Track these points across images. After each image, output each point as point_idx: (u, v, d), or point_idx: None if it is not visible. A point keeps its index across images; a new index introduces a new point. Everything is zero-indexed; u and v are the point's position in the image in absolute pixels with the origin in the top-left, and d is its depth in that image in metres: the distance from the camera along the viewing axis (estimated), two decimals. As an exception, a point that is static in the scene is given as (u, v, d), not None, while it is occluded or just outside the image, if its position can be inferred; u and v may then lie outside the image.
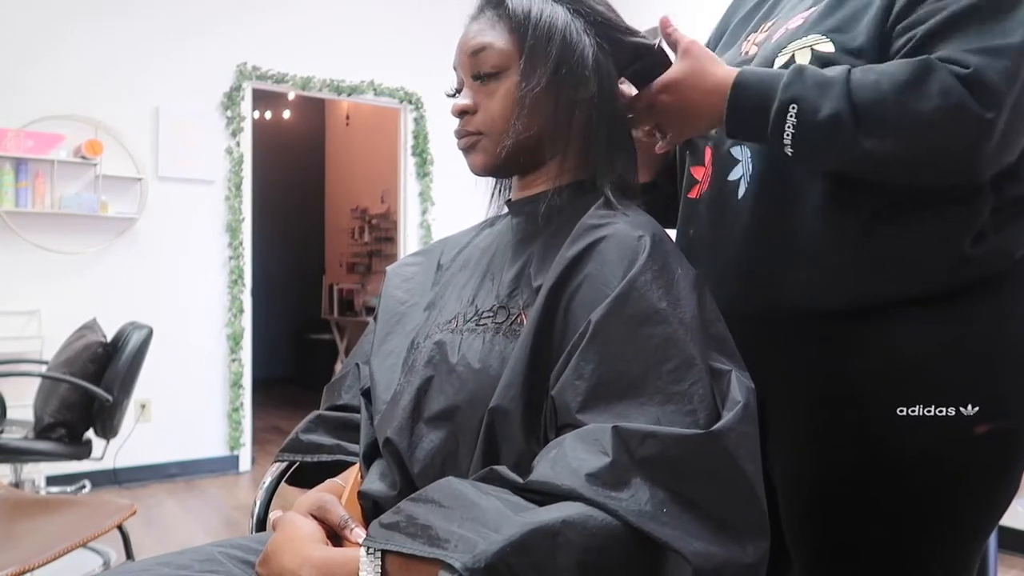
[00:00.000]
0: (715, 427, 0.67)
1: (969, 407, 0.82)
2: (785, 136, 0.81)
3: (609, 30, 0.88)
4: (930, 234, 0.83)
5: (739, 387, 0.72)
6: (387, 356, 0.93)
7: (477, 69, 0.88)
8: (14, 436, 2.76)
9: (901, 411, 0.83)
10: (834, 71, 0.80)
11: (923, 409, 0.83)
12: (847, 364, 0.87)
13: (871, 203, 0.85)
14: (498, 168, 0.90)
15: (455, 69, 0.92)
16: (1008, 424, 0.84)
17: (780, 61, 0.89)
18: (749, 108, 0.84)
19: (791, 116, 0.80)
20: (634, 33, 0.91)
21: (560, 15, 0.86)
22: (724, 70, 0.87)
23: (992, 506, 0.86)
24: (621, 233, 0.79)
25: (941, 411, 0.83)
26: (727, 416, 0.69)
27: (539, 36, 0.85)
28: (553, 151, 0.89)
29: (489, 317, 0.83)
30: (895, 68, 0.78)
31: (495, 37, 0.87)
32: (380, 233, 7.04)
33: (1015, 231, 0.84)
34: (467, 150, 0.90)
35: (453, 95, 0.93)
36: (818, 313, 0.88)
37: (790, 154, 0.82)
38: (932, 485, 0.84)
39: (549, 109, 0.86)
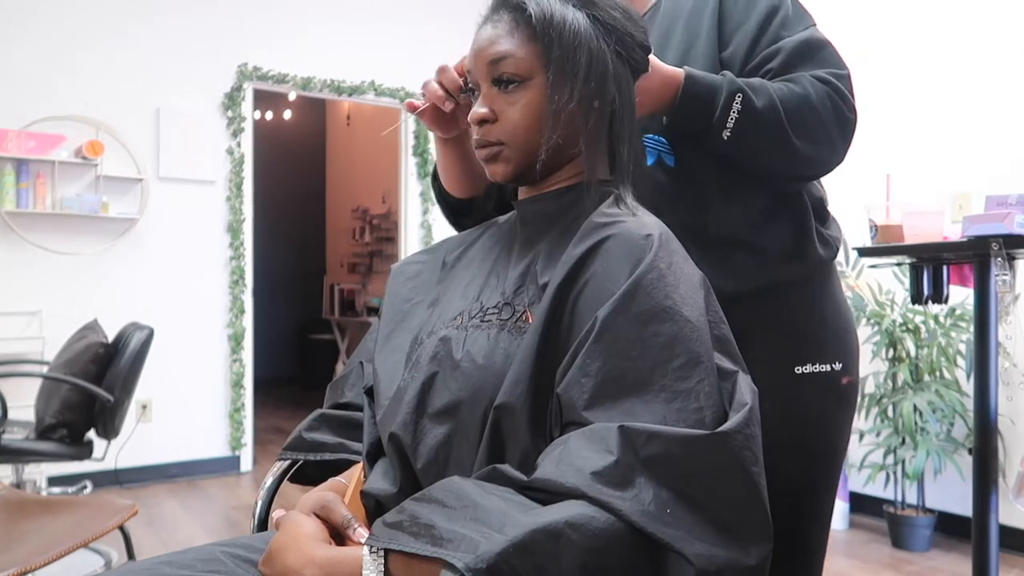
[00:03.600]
0: (721, 428, 0.67)
1: (837, 364, 1.08)
2: (729, 121, 0.96)
3: (624, 36, 0.87)
4: (804, 225, 1.05)
5: (746, 388, 0.72)
6: (391, 353, 0.93)
7: (497, 77, 0.86)
8: (15, 437, 2.76)
9: (798, 370, 1.06)
10: (753, 79, 0.99)
11: (811, 367, 1.06)
12: (749, 334, 1.00)
13: (762, 198, 1.04)
14: (519, 177, 0.89)
15: (468, 72, 0.90)
16: (853, 377, 1.11)
17: None
18: (701, 95, 0.97)
19: (737, 103, 0.95)
20: (640, 32, 0.91)
21: (581, 22, 0.85)
22: (669, 66, 0.98)
23: (846, 440, 1.13)
24: (628, 232, 0.79)
25: (824, 368, 1.07)
26: (734, 417, 0.68)
27: (566, 47, 0.83)
28: (570, 155, 0.89)
29: (494, 314, 0.83)
30: (796, 82, 0.99)
31: (515, 45, 0.85)
32: (381, 233, 7.04)
33: (834, 226, 1.12)
34: (488, 160, 0.89)
35: (467, 92, 0.93)
36: (720, 298, 0.95)
37: (726, 138, 0.96)
38: (821, 424, 1.08)
39: (574, 119, 0.85)
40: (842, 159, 1.03)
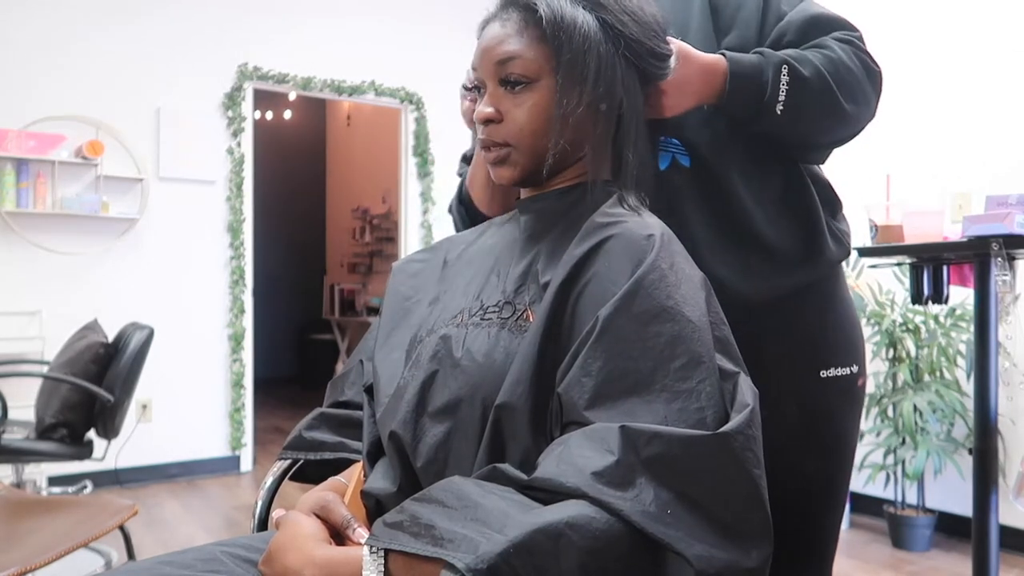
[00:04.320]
0: (723, 429, 0.67)
1: (854, 367, 1.10)
2: (780, 94, 0.95)
3: (632, 42, 0.86)
4: (815, 218, 1.05)
5: (747, 390, 0.72)
6: (391, 351, 0.93)
7: (505, 78, 0.86)
8: (16, 437, 2.76)
9: (823, 373, 1.07)
10: (789, 50, 0.98)
11: (835, 371, 1.08)
12: (769, 337, 1.04)
13: (774, 191, 1.04)
14: (525, 180, 0.89)
15: (474, 68, 0.89)
16: (865, 377, 1.13)
17: None
18: (749, 74, 0.95)
19: (784, 75, 0.95)
20: (654, 40, 0.89)
21: (591, 25, 0.84)
22: (706, 54, 0.97)
23: (857, 436, 1.14)
24: (629, 232, 0.79)
25: (845, 371, 1.09)
26: (736, 418, 0.68)
27: (575, 50, 0.83)
28: (576, 157, 0.88)
29: (495, 312, 0.83)
30: (825, 47, 0.99)
31: (524, 45, 0.84)
32: (381, 233, 7.04)
33: (843, 218, 1.12)
34: (495, 163, 0.89)
35: (471, 89, 0.92)
36: (740, 301, 0.98)
37: (780, 112, 0.95)
38: (840, 425, 1.10)
39: (581, 122, 0.85)
40: (874, 115, 1.05)
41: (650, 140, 0.96)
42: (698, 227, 1.02)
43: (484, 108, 0.87)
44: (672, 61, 0.91)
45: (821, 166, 1.12)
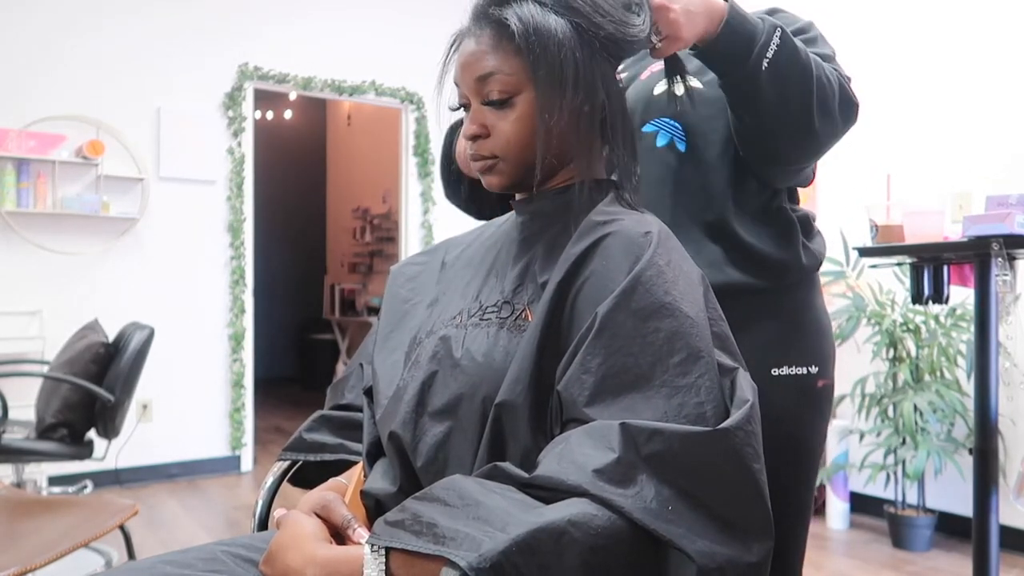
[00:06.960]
0: (723, 425, 0.67)
1: (813, 367, 1.09)
2: (769, 50, 0.95)
3: (607, 40, 0.85)
4: (791, 234, 1.09)
5: (746, 385, 0.72)
6: (391, 353, 0.93)
7: (486, 95, 0.86)
8: (16, 436, 2.76)
9: (775, 371, 1.07)
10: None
11: (788, 369, 1.08)
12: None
13: (759, 200, 1.08)
14: (514, 187, 0.90)
15: (456, 84, 0.90)
16: (829, 380, 1.13)
17: (658, 89, 1.10)
18: (746, 19, 0.96)
19: (776, 36, 0.95)
20: (627, 28, 0.86)
21: (565, 31, 0.83)
22: None
23: (822, 441, 1.14)
24: (626, 230, 0.79)
25: (800, 370, 1.08)
26: (736, 414, 0.68)
27: (551, 61, 0.82)
28: (565, 160, 0.89)
29: (493, 312, 0.83)
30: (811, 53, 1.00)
31: (501, 61, 0.85)
32: (382, 233, 7.04)
33: (819, 240, 1.15)
34: (484, 172, 0.89)
35: (457, 109, 0.92)
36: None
37: (764, 67, 0.95)
38: (794, 427, 1.08)
39: (565, 126, 0.85)
40: (840, 137, 1.05)
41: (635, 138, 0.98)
42: (675, 208, 1.06)
43: (470, 126, 0.88)
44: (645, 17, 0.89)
45: (803, 204, 1.16)
